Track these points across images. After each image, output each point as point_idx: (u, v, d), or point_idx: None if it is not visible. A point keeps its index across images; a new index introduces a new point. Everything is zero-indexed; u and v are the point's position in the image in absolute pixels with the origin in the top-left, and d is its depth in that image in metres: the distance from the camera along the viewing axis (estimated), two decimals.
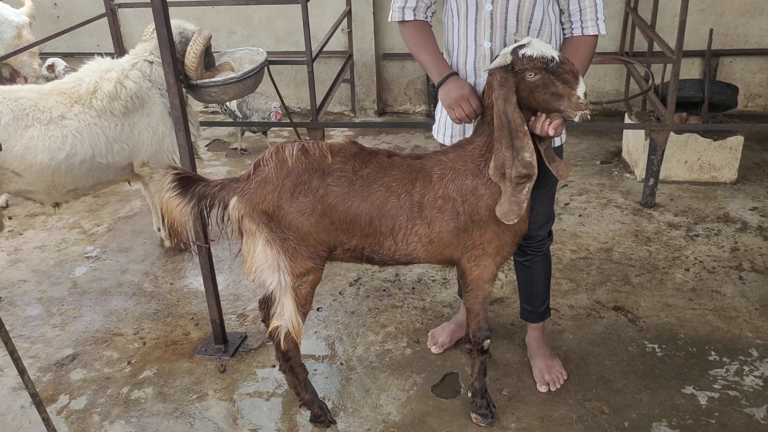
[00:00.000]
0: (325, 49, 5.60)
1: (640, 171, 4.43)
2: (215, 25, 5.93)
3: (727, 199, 4.22)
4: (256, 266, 2.33)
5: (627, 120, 4.73)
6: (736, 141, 4.30)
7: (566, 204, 4.24)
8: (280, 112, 4.91)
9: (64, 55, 5.53)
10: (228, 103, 5.11)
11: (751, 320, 3.11)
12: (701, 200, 4.22)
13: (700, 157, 4.38)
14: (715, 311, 3.18)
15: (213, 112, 6.25)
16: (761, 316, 3.12)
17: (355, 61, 5.82)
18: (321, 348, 3.05)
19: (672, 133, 4.35)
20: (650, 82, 4.25)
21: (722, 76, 5.45)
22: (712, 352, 2.92)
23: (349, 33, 5.74)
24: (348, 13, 5.58)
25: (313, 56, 4.11)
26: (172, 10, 5.52)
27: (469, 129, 2.49)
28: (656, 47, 4.73)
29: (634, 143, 4.63)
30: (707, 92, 4.32)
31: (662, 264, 3.56)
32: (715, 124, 4.26)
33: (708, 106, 4.46)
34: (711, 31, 4.33)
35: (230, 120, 5.11)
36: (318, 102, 4.33)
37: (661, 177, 4.38)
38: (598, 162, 4.85)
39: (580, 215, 4.10)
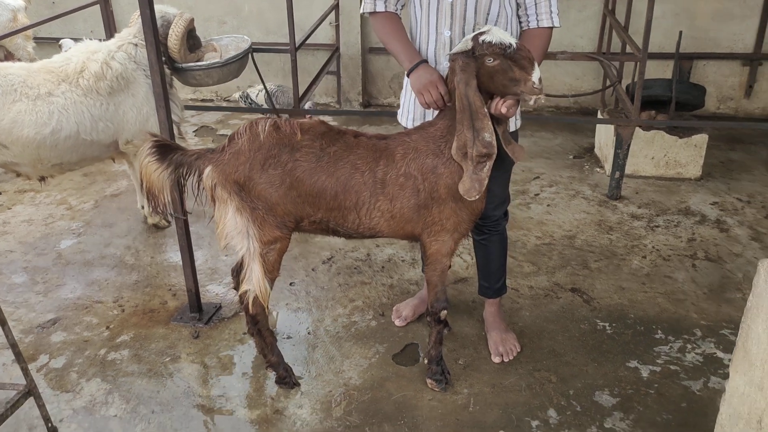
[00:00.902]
0: (312, 42, 5.78)
1: (609, 165, 4.60)
2: (206, 15, 6.09)
3: (689, 194, 4.40)
4: (227, 232, 2.49)
5: (600, 117, 4.91)
6: (701, 139, 4.48)
7: (536, 194, 4.42)
8: (312, 106, 5.05)
9: (59, 40, 5.66)
10: (254, 98, 5.29)
11: (698, 303, 3.29)
12: (665, 194, 4.41)
13: (666, 154, 4.56)
14: (666, 294, 3.36)
15: (203, 100, 6.42)
16: (708, 300, 3.30)
17: (341, 54, 5.99)
18: (291, 318, 3.22)
19: (641, 131, 4.54)
20: (618, 79, 4.43)
21: (696, 78, 5.64)
22: (659, 331, 3.10)
23: (337, 26, 5.91)
24: (336, 7, 5.75)
25: (297, 46, 4.28)
26: (166, 0, 5.69)
27: (431, 113, 2.65)
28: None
29: (605, 139, 4.81)
30: (674, 91, 4.50)
31: (621, 251, 3.75)
32: (677, 121, 4.44)
33: (676, 105, 4.65)
34: (680, 33, 4.52)
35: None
36: (302, 91, 4.50)
37: (629, 172, 4.57)
38: (571, 156, 5.04)
39: (548, 205, 4.28)
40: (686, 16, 5.54)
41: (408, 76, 2.53)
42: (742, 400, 1.77)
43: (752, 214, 4.13)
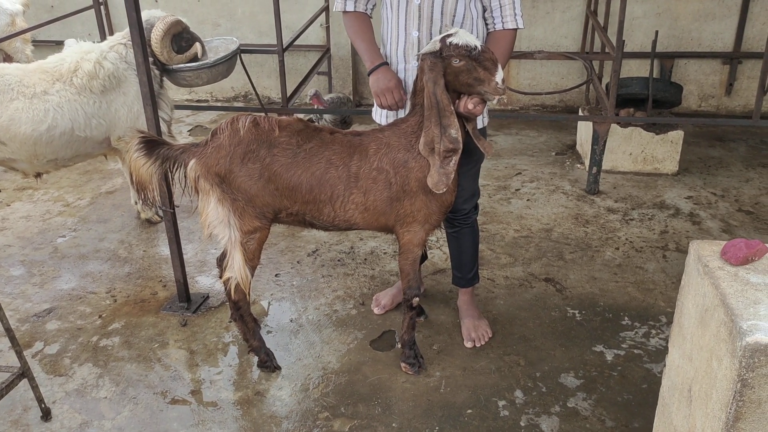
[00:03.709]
0: (304, 43, 5.95)
1: (589, 161, 4.75)
2: (200, 18, 6.25)
3: (666, 189, 4.54)
4: (210, 221, 2.65)
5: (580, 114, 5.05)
6: (677, 135, 4.62)
7: (517, 189, 4.57)
8: (316, 97, 4.95)
9: (57, 43, 5.82)
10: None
11: (666, 292, 3.43)
12: (642, 189, 4.55)
13: (643, 150, 4.70)
14: (636, 284, 3.50)
15: (198, 100, 6.57)
16: (676, 289, 3.44)
17: (332, 55, 6.14)
18: (274, 308, 3.36)
19: (619, 127, 4.68)
20: (592, 77, 4.57)
21: (677, 77, 5.78)
22: (626, 318, 3.24)
23: (327, 28, 6.06)
24: (326, 9, 5.90)
25: (285, 47, 4.43)
26: (160, 2, 5.86)
27: (403, 110, 2.80)
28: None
29: (586, 136, 4.94)
30: (651, 89, 4.65)
31: (595, 243, 3.89)
32: (651, 118, 4.59)
33: (654, 103, 4.80)
34: (656, 32, 4.66)
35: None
36: (291, 91, 4.65)
37: (607, 168, 4.71)
38: (554, 153, 5.18)
39: (528, 200, 4.42)
40: (668, 16, 5.68)
41: (369, 76, 2.68)
42: (678, 371, 1.91)
43: (725, 208, 4.27)
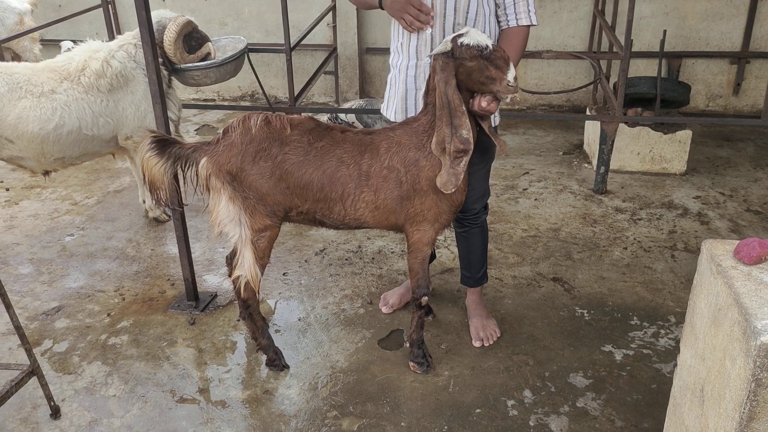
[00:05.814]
0: (311, 43, 5.96)
1: (597, 161, 4.73)
2: (207, 17, 6.26)
3: (674, 188, 4.53)
4: (220, 219, 2.65)
5: (588, 114, 5.03)
6: (685, 135, 4.61)
7: (525, 189, 4.56)
8: None
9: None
10: (343, 116, 5.11)
11: (675, 292, 3.42)
12: (650, 189, 4.53)
13: (651, 149, 4.69)
14: (644, 284, 3.49)
15: (205, 99, 6.58)
16: (685, 289, 3.43)
17: (339, 54, 6.14)
18: (282, 307, 3.36)
19: (627, 127, 4.67)
20: (600, 76, 4.56)
21: (685, 76, 5.76)
22: (635, 318, 3.23)
23: (334, 27, 6.06)
24: (333, 8, 5.90)
25: (292, 45, 4.43)
26: (167, 2, 5.88)
27: (410, 102, 2.80)
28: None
29: (593, 136, 4.93)
30: (659, 89, 4.63)
31: (603, 243, 3.88)
32: (659, 117, 4.57)
33: (662, 102, 4.78)
34: (664, 32, 4.65)
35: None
36: (298, 91, 4.65)
37: (615, 167, 4.70)
38: (561, 153, 5.17)
39: (535, 199, 4.41)
40: (675, 16, 5.66)
41: (381, 6, 2.65)
42: (690, 371, 1.90)
43: (733, 208, 4.25)
